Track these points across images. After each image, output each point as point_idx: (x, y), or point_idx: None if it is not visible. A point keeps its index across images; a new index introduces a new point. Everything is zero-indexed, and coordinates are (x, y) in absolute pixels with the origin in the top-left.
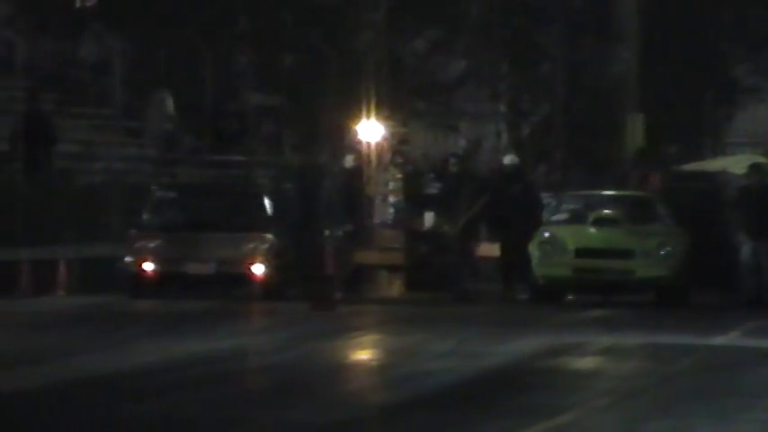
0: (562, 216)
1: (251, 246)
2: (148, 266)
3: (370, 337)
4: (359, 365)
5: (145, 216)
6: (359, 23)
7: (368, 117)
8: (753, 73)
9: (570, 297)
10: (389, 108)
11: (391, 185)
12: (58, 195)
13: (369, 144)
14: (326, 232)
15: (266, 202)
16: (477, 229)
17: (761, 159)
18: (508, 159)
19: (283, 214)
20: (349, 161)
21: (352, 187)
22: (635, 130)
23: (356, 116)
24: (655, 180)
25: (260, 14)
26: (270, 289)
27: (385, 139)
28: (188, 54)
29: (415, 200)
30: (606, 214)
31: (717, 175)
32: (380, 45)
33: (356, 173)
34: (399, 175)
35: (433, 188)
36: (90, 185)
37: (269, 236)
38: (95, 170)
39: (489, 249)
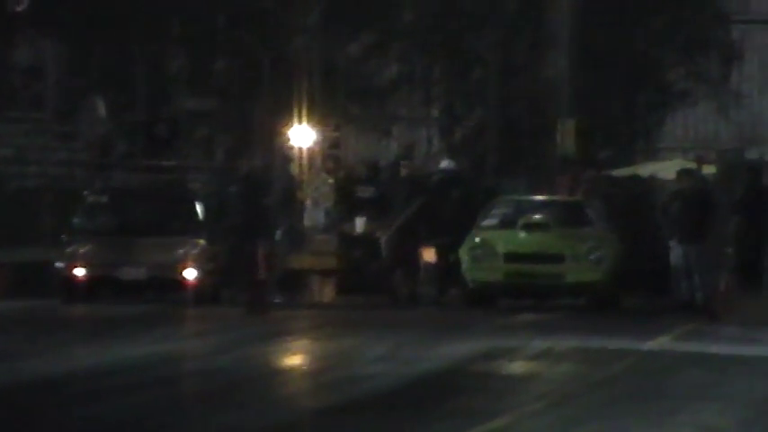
0: (493, 221)
1: (183, 250)
2: (80, 271)
3: (303, 342)
4: (292, 370)
5: (77, 221)
6: (292, 28)
7: (300, 121)
8: (684, 78)
9: (504, 301)
10: (322, 112)
11: (323, 189)
12: None
13: (301, 149)
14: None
15: (198, 206)
16: (415, 232)
17: (691, 165)
18: (446, 164)
19: (222, 218)
20: (293, 168)
21: (286, 192)
22: (566, 135)
23: (289, 120)
24: (564, 182)
25: (193, 18)
26: (202, 293)
27: (317, 143)
28: (121, 58)
29: (347, 204)
30: (536, 219)
31: (647, 179)
32: (314, 49)
33: (290, 177)
34: (331, 180)
35: (367, 192)
36: (22, 189)
37: (201, 240)
38: (28, 174)
39: (425, 253)
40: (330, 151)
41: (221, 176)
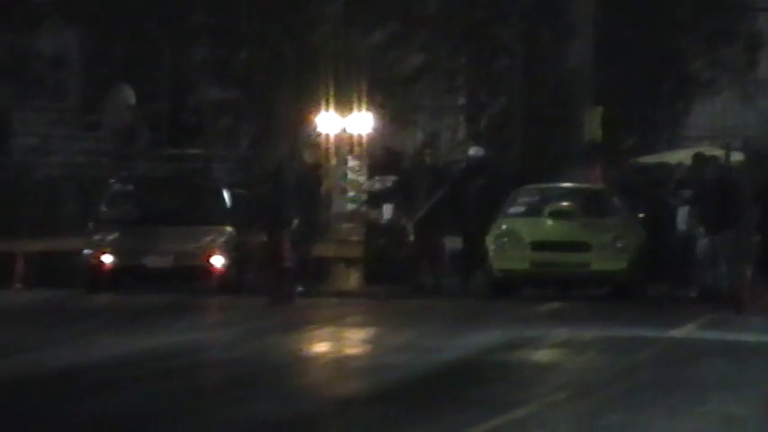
0: (519, 209)
1: (209, 239)
2: (106, 259)
3: (327, 331)
4: (316, 359)
5: (103, 209)
6: (316, 17)
7: (326, 110)
8: (709, 67)
9: (528, 290)
10: (346, 101)
11: (349, 177)
12: (15, 188)
13: (327, 137)
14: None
15: (225, 194)
16: (439, 221)
17: (716, 153)
18: (473, 152)
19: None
20: (309, 156)
21: (311, 180)
22: (593, 124)
23: (313, 109)
24: (595, 175)
25: (217, 8)
26: (228, 282)
27: (374, 129)
28: (145, 47)
29: (373, 192)
30: (562, 207)
31: (671, 167)
32: (337, 38)
33: (314, 165)
34: (358, 168)
35: (389, 181)
36: (47, 179)
37: (227, 228)
38: (53, 163)
39: (450, 242)
40: (383, 143)
41: (258, 168)
